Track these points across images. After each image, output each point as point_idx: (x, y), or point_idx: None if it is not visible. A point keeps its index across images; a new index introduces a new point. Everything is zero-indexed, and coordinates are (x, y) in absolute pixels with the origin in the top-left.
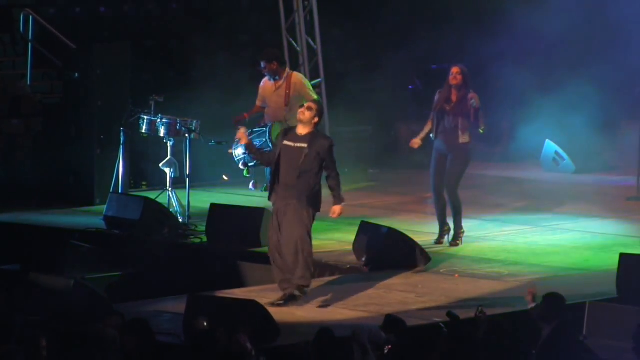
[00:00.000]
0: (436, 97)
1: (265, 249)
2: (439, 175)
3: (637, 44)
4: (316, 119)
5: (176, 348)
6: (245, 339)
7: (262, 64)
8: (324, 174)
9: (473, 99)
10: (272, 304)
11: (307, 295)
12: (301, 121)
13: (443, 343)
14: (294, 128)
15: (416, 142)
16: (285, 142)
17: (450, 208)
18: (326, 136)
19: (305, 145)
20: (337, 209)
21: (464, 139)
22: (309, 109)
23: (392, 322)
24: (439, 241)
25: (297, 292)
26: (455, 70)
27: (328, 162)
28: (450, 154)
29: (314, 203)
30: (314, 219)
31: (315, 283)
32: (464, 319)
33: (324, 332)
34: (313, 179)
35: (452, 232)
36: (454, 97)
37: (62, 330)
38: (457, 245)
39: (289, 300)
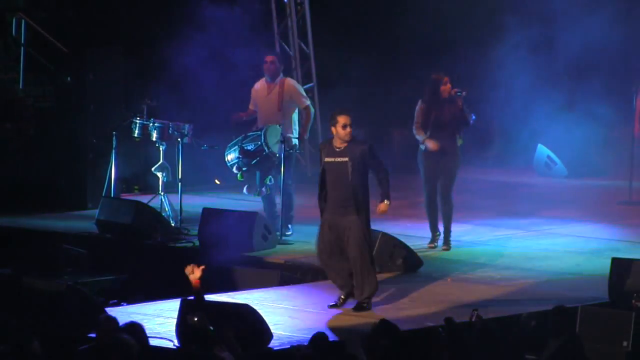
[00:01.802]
0: (420, 107)
1: (256, 254)
2: (432, 181)
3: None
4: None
5: (169, 352)
6: (222, 349)
7: (270, 61)
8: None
9: (459, 92)
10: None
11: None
12: (347, 141)
13: (440, 348)
14: (330, 141)
15: (433, 142)
16: (327, 159)
17: (441, 212)
18: (362, 141)
19: (346, 158)
20: (382, 206)
21: (456, 142)
22: (348, 126)
23: (385, 327)
24: (431, 245)
25: (364, 305)
26: (447, 78)
27: (372, 164)
28: (444, 159)
29: (369, 211)
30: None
31: (308, 287)
32: (459, 323)
33: (319, 337)
34: (364, 187)
35: (441, 237)
36: (446, 105)
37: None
38: (449, 249)
39: (358, 309)
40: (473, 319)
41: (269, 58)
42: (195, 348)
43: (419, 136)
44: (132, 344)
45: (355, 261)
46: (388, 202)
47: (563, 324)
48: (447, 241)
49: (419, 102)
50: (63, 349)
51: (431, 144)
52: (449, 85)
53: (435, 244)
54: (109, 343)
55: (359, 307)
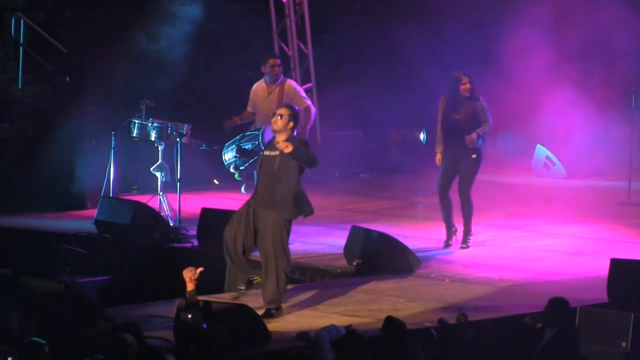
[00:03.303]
0: (441, 102)
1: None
2: (447, 179)
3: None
4: (291, 124)
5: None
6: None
7: (276, 64)
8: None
9: (479, 100)
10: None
11: (282, 309)
12: (275, 130)
13: (433, 348)
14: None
15: (440, 159)
16: (265, 152)
17: (462, 212)
18: (300, 139)
19: (277, 152)
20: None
21: (477, 143)
22: (280, 116)
23: (392, 324)
24: (448, 243)
25: (270, 314)
26: (465, 78)
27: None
28: (465, 158)
29: (297, 210)
30: (289, 225)
31: (306, 288)
32: (454, 324)
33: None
34: (291, 185)
35: (455, 234)
36: (464, 105)
37: (80, 339)
38: (467, 247)
39: (266, 316)
40: (459, 319)
41: (275, 61)
42: (192, 348)
43: (437, 147)
44: (131, 342)
45: (266, 258)
46: (290, 144)
47: (559, 315)
48: (465, 239)
49: (442, 97)
50: (61, 349)
51: (437, 159)
52: (468, 85)
53: (451, 241)
54: (108, 342)
55: (266, 314)
